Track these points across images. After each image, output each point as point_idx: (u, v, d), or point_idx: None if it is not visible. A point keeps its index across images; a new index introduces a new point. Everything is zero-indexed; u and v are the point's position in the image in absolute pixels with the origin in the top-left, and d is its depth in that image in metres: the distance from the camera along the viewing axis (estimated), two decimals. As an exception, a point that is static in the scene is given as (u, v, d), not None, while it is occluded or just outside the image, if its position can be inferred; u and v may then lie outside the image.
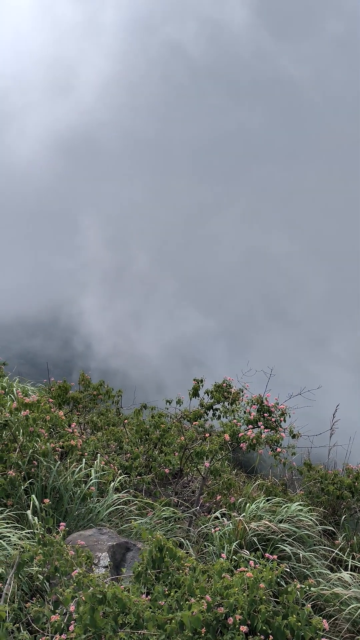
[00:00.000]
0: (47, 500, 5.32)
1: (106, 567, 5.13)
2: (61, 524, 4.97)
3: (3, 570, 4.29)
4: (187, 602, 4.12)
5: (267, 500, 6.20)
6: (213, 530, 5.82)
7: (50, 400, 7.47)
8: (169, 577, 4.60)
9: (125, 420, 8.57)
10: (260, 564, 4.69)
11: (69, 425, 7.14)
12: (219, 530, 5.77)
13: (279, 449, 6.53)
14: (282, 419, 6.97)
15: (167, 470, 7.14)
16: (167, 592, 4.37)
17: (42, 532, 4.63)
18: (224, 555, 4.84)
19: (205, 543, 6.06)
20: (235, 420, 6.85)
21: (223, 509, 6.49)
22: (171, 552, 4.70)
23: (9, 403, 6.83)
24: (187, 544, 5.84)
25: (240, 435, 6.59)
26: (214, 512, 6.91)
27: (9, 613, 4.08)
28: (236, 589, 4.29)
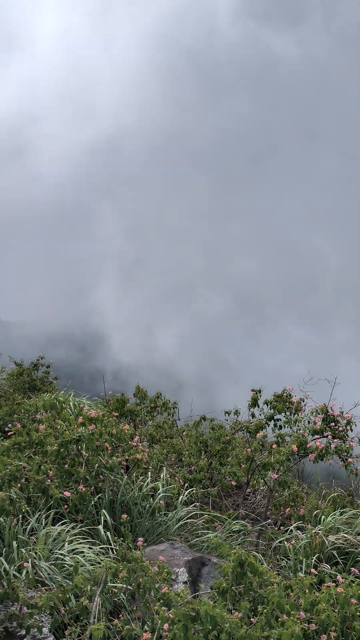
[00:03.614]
0: (125, 516, 5.28)
1: (185, 582, 5.07)
2: (139, 539, 4.92)
3: (89, 588, 4.25)
4: (278, 620, 4.03)
5: (342, 512, 6.06)
6: (287, 543, 5.70)
7: (115, 414, 7.45)
8: (252, 593, 4.51)
9: (184, 433, 8.51)
10: (344, 578, 4.57)
11: (132, 439, 7.11)
12: (294, 543, 5.65)
13: (350, 459, 6.38)
14: (348, 427, 6.82)
15: (233, 483, 7.05)
16: (252, 608, 4.29)
17: (123, 549, 4.59)
18: (313, 570, 4.72)
19: (278, 556, 5.95)
20: (301, 431, 6.73)
21: (296, 522, 6.36)
22: (252, 567, 4.61)
23: (71, 417, 6.84)
24: (261, 558, 5.73)
25: (308, 445, 6.47)
26: (281, 524, 6.79)
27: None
28: (325, 605, 4.18)
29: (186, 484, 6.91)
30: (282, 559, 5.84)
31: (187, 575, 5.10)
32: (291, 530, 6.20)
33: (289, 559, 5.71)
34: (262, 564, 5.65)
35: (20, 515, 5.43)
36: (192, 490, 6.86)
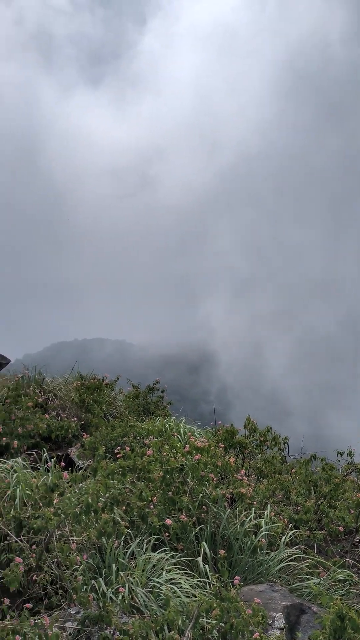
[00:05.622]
0: (222, 552, 5.21)
1: (281, 629, 4.88)
2: (236, 577, 4.83)
3: (181, 622, 4.22)
4: None
5: None
6: None
7: (221, 445, 7.42)
8: (352, 651, 4.26)
9: (293, 470, 8.27)
10: None
11: (238, 472, 7.02)
12: None
13: None
14: None
15: (341, 528, 6.72)
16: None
17: (218, 585, 4.52)
18: None
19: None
20: None
21: None
22: (354, 623, 4.36)
23: (178, 444, 6.89)
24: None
25: None
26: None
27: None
28: None
29: (291, 524, 6.69)
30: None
31: (283, 622, 4.91)
32: None
33: None
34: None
35: (122, 538, 5.53)
36: (297, 531, 6.63)
